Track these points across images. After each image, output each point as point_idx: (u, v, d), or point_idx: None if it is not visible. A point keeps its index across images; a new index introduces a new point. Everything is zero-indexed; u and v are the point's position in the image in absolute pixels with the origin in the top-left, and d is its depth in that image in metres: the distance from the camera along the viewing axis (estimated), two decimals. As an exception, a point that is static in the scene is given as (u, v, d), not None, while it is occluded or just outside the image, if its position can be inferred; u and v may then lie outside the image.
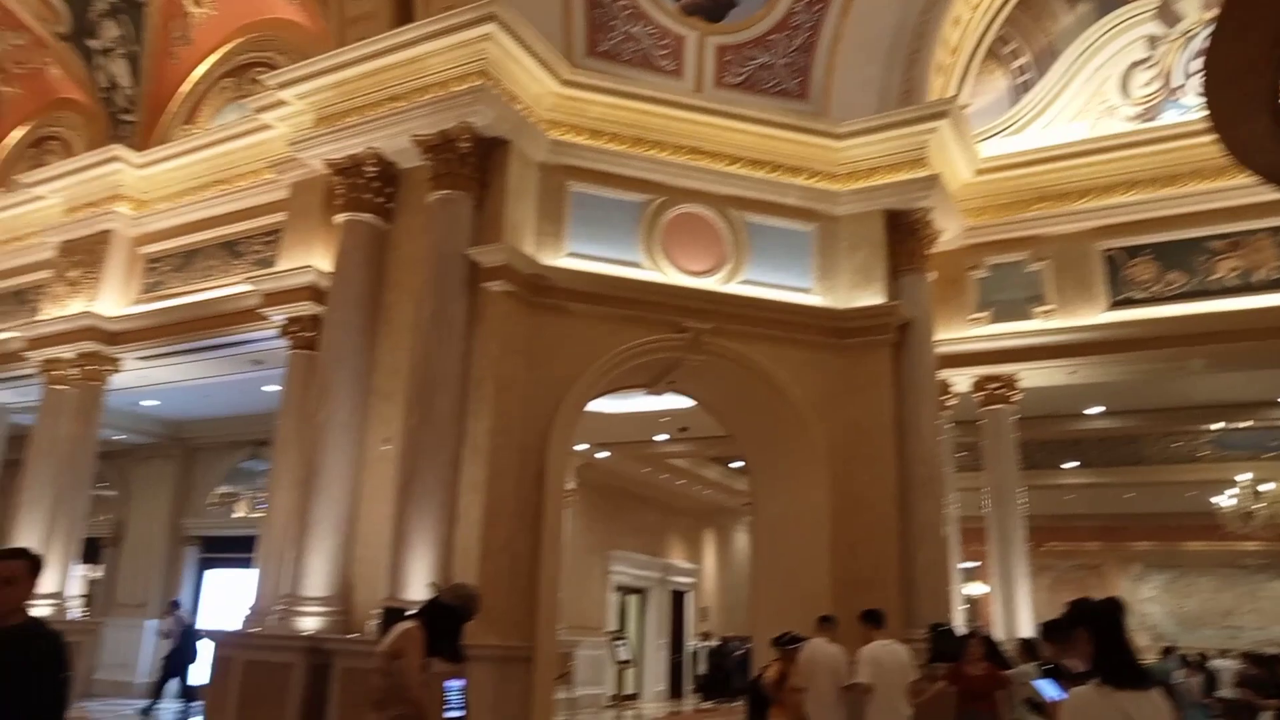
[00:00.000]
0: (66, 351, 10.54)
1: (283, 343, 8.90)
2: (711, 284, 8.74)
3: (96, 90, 11.50)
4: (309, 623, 7.41)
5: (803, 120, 9.17)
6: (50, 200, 11.33)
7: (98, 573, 15.76)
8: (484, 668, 6.69)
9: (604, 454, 15.49)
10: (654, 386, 9.47)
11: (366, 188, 8.39)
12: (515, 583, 7.35)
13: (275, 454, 8.74)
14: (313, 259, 8.75)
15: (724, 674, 18.33)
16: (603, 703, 16.34)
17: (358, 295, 8.21)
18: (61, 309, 10.76)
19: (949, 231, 9.71)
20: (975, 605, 16.62)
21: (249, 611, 8.11)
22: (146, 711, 12.41)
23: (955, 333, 10.02)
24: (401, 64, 8.27)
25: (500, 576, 7.22)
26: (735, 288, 8.79)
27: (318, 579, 7.54)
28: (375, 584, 7.38)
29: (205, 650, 13.95)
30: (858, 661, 6.89)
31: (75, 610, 10.45)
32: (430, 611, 4.60)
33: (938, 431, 8.95)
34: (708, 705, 17.81)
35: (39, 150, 12.89)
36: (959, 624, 8.71)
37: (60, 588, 10.09)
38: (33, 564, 3.38)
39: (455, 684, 4.61)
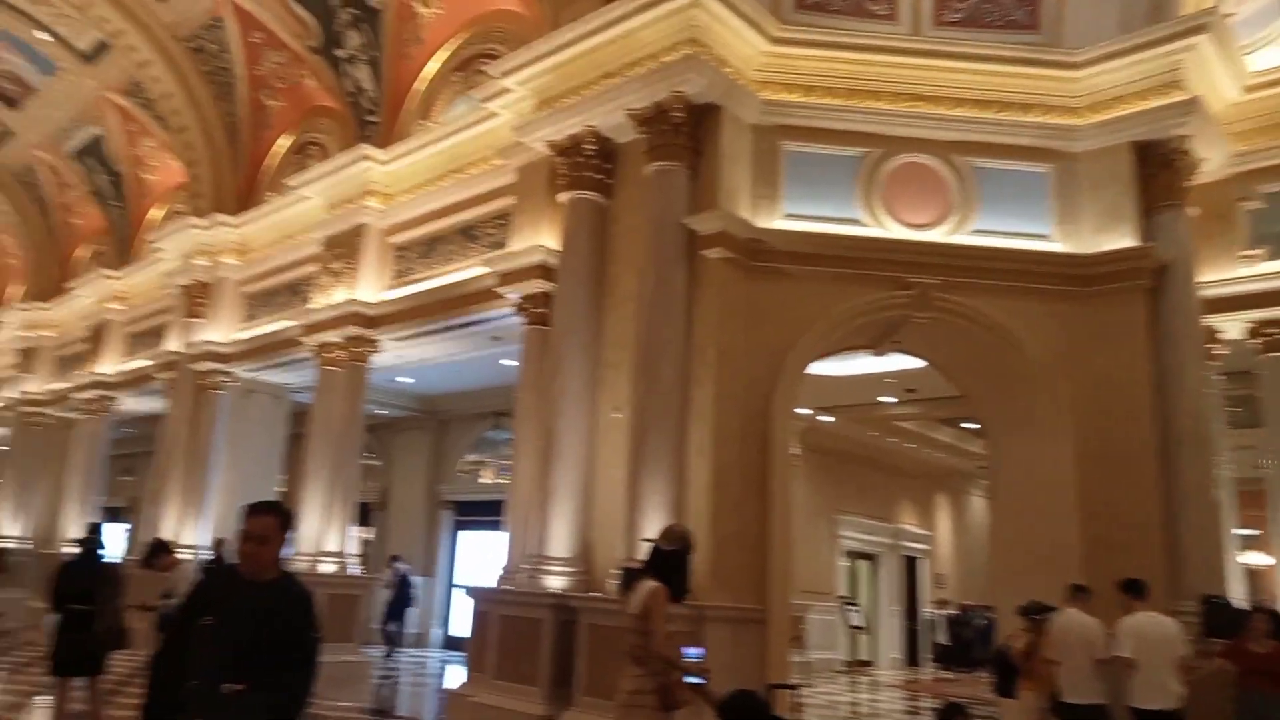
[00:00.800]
0: (334, 336, 11.69)
1: (518, 319, 9.42)
2: (938, 236, 8.33)
3: (345, 96, 12.64)
4: (555, 581, 7.89)
5: (1034, 52, 8.47)
6: (313, 200, 12.55)
7: (369, 534, 17.63)
8: (718, 628, 6.86)
9: (828, 418, 15.27)
10: (878, 347, 9.19)
11: (586, 165, 8.68)
12: (745, 545, 7.44)
13: (516, 424, 9.33)
14: (541, 238, 9.19)
15: (964, 643, 17.68)
16: (836, 667, 16.24)
17: (584, 270, 8.55)
18: (328, 298, 11.94)
19: (1212, 160, 8.65)
20: (1255, 577, 14.93)
21: (501, 570, 8.73)
22: (388, 656, 14.02)
23: (1223, 274, 8.94)
24: (613, 40, 8.46)
25: (730, 539, 7.34)
26: (964, 238, 8.32)
27: (560, 540, 8.01)
28: (613, 545, 7.73)
29: (420, 600, 15.76)
30: (1118, 634, 6.41)
31: (354, 567, 11.71)
32: (656, 562, 4.81)
33: (1204, 383, 8.07)
34: (948, 675, 17.25)
35: (301, 156, 14.33)
36: (1236, 597, 7.86)
37: (341, 547, 11.33)
38: (283, 520, 3.31)
39: (695, 651, 4.75)
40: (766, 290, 8.06)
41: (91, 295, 17.97)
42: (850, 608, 17.38)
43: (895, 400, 14.37)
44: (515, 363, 9.76)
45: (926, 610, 19.95)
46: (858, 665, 16.87)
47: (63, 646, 7.00)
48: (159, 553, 7.41)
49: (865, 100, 8.45)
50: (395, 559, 15.52)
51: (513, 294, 9.37)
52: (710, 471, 7.40)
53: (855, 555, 18.60)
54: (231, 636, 3.07)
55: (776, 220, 8.25)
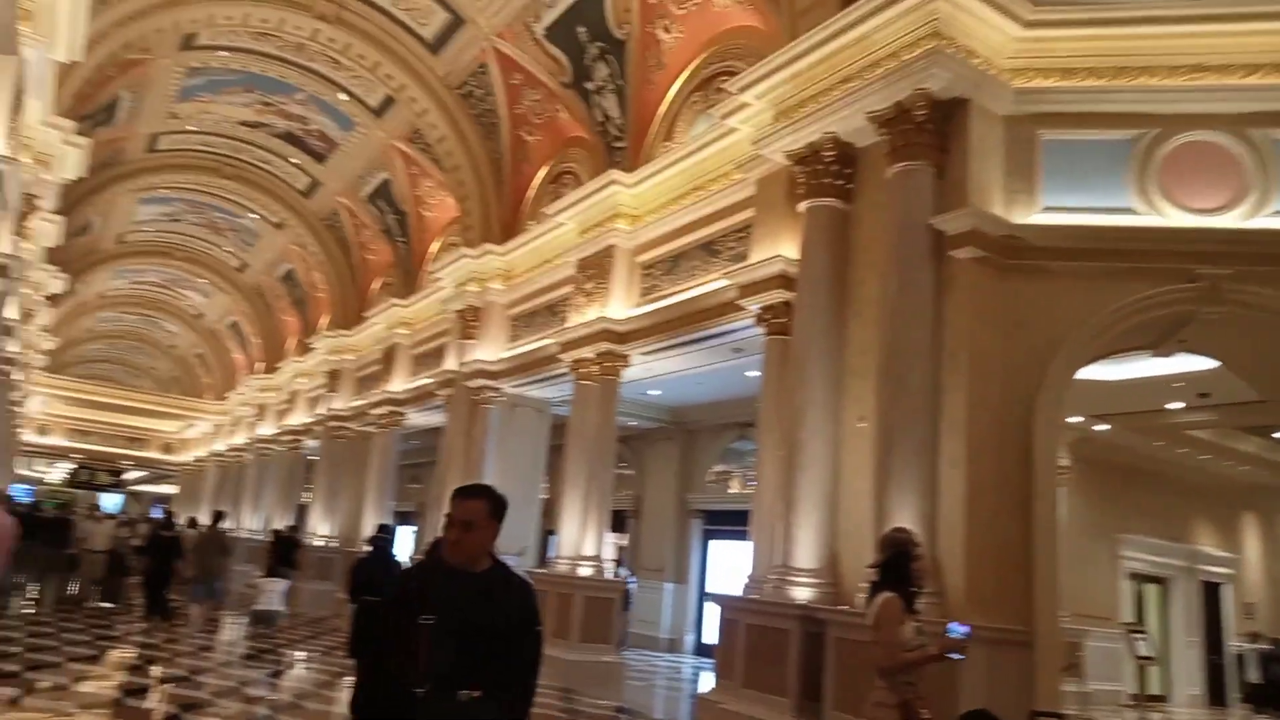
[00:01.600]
0: (588, 352, 12.32)
1: (759, 330, 9.47)
2: (1230, 221, 7.40)
3: (594, 125, 13.35)
4: (801, 593, 7.81)
5: (1350, 1, 7.34)
6: (567, 225, 13.33)
7: (624, 541, 18.34)
8: (975, 649, 6.40)
9: (1103, 426, 13.94)
10: (1160, 347, 8.29)
11: (825, 172, 8.58)
12: (1004, 561, 6.98)
13: (759, 434, 9.36)
14: (780, 248, 9.18)
15: (1278, 683, 15.43)
16: (1121, 700, 14.75)
17: (824, 278, 8.45)
18: (582, 316, 12.60)
19: None
20: None
21: (748, 579, 8.77)
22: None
23: None
24: (850, 44, 8.31)
25: (986, 555, 6.92)
26: (1263, 222, 7.33)
27: (806, 551, 7.92)
28: (860, 557, 7.50)
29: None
30: None
31: (609, 572, 12.24)
32: (887, 573, 4.66)
33: None
34: (1260, 718, 15.13)
35: (557, 185, 15.30)
36: None
37: (597, 552, 11.90)
38: (494, 506, 2.98)
39: (960, 628, 4.55)
40: (1025, 290, 7.54)
41: (383, 322, 20.17)
42: (1137, 635, 15.72)
43: (1184, 406, 12.85)
44: (757, 374, 9.80)
45: (1233, 642, 17.60)
46: (1147, 700, 15.21)
47: (358, 633, 7.89)
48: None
49: (1137, 77, 7.70)
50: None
51: (753, 305, 9.43)
52: (965, 484, 7.02)
53: (1141, 578, 16.80)
54: (457, 634, 2.84)
55: (1034, 215, 7.71)
